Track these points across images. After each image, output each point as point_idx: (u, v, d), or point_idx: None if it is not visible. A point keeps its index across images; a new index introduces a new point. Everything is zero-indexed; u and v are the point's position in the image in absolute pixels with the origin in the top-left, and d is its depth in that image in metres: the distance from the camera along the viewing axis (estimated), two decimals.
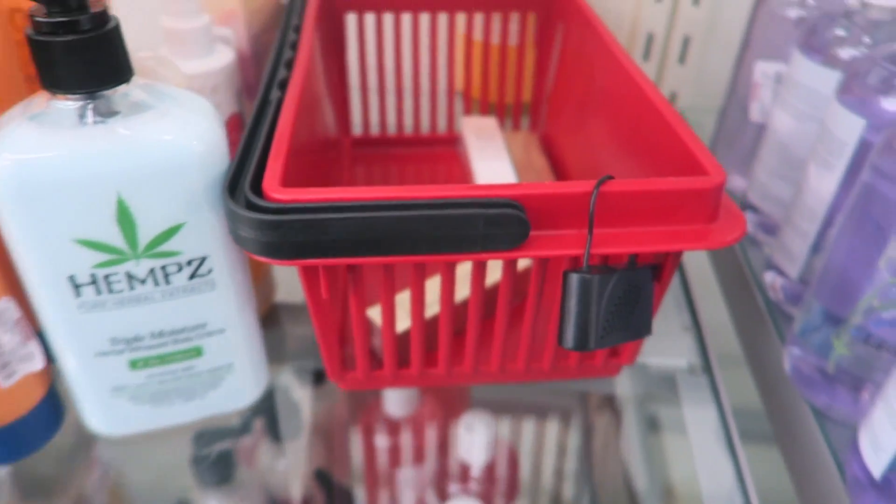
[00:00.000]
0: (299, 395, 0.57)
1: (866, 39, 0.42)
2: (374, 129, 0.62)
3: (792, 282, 0.46)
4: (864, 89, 0.39)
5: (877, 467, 0.33)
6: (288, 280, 0.49)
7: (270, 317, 0.48)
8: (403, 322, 0.40)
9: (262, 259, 0.30)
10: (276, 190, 0.30)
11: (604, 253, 0.31)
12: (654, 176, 0.39)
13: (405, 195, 0.30)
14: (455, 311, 0.37)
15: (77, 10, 0.28)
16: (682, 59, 0.70)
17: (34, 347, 0.35)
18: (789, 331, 0.44)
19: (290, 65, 0.42)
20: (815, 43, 0.44)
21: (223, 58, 0.46)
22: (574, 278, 0.31)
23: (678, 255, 0.34)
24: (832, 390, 0.40)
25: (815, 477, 0.39)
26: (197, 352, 0.36)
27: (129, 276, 0.32)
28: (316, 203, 0.30)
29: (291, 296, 0.49)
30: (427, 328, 0.37)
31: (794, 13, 0.50)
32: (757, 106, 0.54)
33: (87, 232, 0.31)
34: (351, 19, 0.57)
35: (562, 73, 0.56)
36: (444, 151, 0.62)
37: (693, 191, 0.31)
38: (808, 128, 0.46)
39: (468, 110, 0.62)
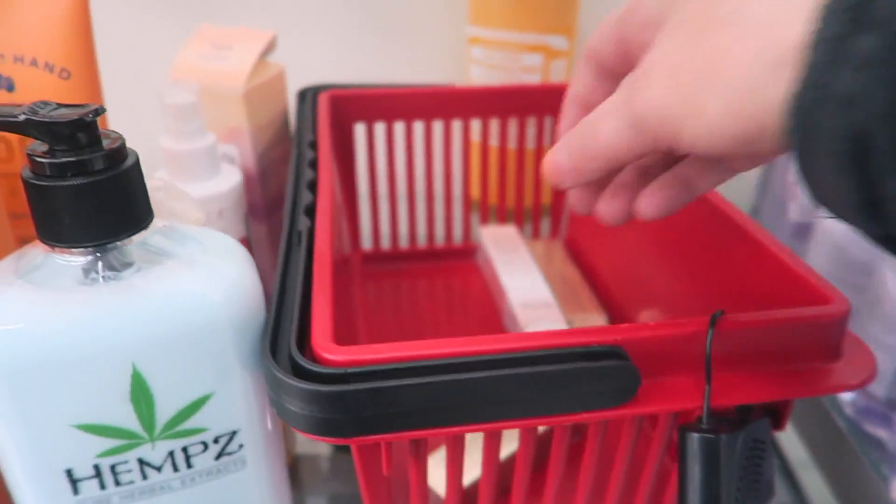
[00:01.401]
0: None
1: None
2: (385, 242, 0.57)
3: (877, 402, 0.42)
4: None
5: None
6: None
7: (290, 472, 0.41)
8: (468, 474, 0.34)
9: (317, 438, 0.24)
10: (329, 349, 0.24)
11: (727, 404, 0.26)
12: (736, 298, 0.34)
13: (489, 349, 0.25)
14: (527, 483, 0.31)
15: (89, 148, 0.23)
16: None
17: None
18: (887, 459, 0.39)
19: (312, 187, 0.37)
20: None
21: (230, 179, 0.41)
22: (696, 439, 0.25)
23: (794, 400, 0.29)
24: None
25: None
26: None
27: (142, 463, 0.26)
28: (383, 365, 0.24)
29: (312, 447, 0.42)
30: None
31: None
32: (795, 206, 0.51)
33: (93, 415, 0.24)
34: (360, 129, 0.53)
35: None
36: (460, 264, 0.57)
37: (818, 322, 0.27)
38: None
39: (485, 219, 0.58)
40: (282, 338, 0.26)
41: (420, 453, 0.27)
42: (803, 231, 0.50)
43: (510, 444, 0.35)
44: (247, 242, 0.44)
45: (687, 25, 0.20)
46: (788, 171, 0.51)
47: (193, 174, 0.40)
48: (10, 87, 0.32)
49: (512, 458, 0.35)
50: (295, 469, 0.40)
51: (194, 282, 0.25)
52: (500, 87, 0.54)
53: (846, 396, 0.44)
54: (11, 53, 0.31)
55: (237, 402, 0.27)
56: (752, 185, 0.60)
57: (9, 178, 0.33)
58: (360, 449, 0.26)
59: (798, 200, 0.51)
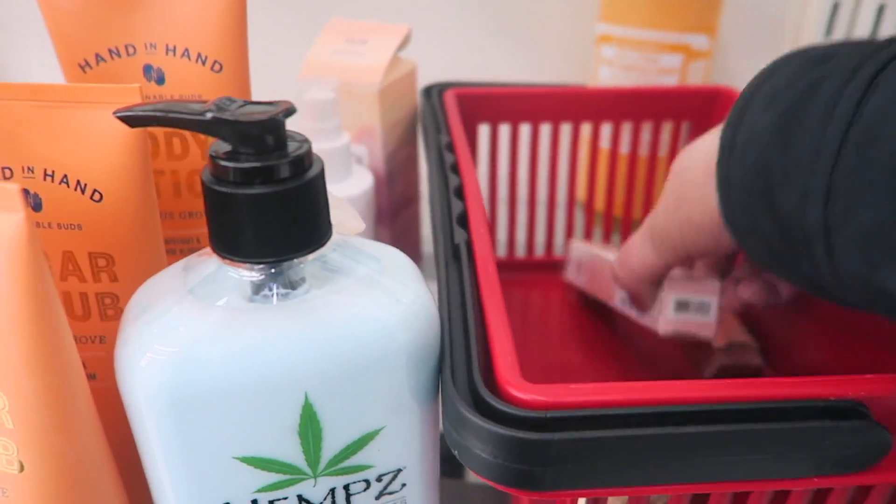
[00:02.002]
0: None
1: None
2: (502, 251, 0.54)
3: None
4: None
5: None
6: None
7: None
8: None
9: (506, 489, 0.21)
10: (521, 387, 0.21)
11: None
12: None
13: (710, 396, 0.21)
14: None
15: (277, 152, 0.20)
16: None
17: None
18: None
19: (458, 194, 0.34)
20: None
21: (363, 181, 0.39)
22: None
23: None
24: None
25: None
26: None
27: (301, 500, 0.23)
28: (589, 410, 0.21)
29: None
30: None
31: None
32: None
33: (257, 447, 0.22)
34: (483, 130, 0.50)
35: None
36: (540, 277, 0.53)
37: None
38: None
39: (608, 228, 0.54)
40: (459, 370, 0.23)
41: None
42: None
43: None
44: None
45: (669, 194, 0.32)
46: None
47: (329, 176, 0.38)
48: (161, 80, 0.30)
49: None
50: None
51: (371, 304, 0.22)
52: (637, 89, 0.50)
53: None
54: (164, 43, 0.29)
55: (407, 438, 0.24)
56: None
57: (162, 176, 0.31)
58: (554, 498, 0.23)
59: None
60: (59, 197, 0.24)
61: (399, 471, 0.24)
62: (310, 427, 0.22)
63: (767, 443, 0.21)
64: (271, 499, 0.23)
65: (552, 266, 0.53)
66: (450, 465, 0.28)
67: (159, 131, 0.30)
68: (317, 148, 0.38)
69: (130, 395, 0.21)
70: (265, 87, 0.54)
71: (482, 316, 0.25)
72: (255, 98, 0.42)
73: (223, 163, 0.20)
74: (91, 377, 0.27)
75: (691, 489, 0.22)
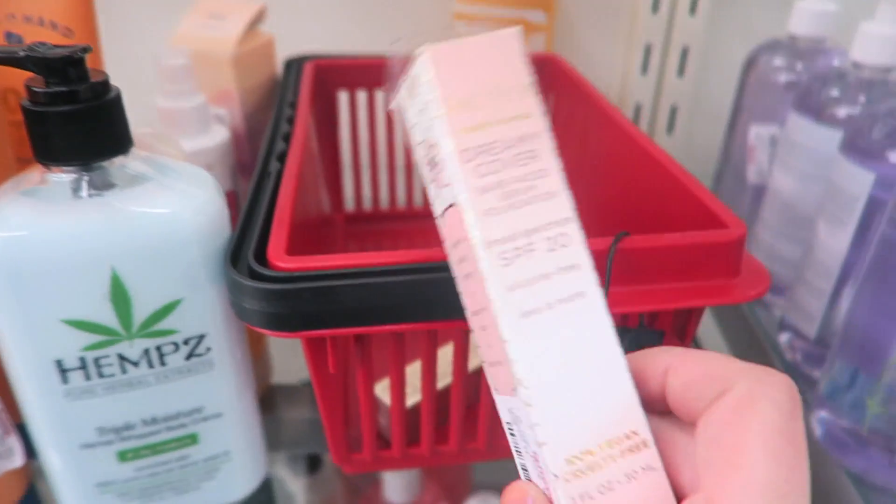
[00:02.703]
0: (294, 486, 0.53)
1: (861, 98, 0.43)
2: (367, 205, 0.61)
3: (809, 342, 0.45)
4: (870, 144, 0.39)
5: None
6: (284, 360, 0.47)
7: (266, 400, 0.45)
8: (412, 397, 0.38)
9: (268, 332, 0.28)
10: (281, 258, 0.28)
11: (624, 311, 0.30)
12: (646, 221, 0.38)
13: (414, 259, 0.29)
14: (465, 384, 0.35)
15: (77, 81, 0.27)
16: (671, 129, 0.71)
17: (13, 443, 0.33)
18: (815, 394, 0.42)
19: (287, 138, 0.41)
20: (810, 104, 0.45)
21: (218, 136, 0.46)
22: None
23: (700, 313, 0.33)
24: (867, 454, 0.38)
25: None
26: (192, 439, 0.33)
27: (122, 359, 0.30)
28: (325, 270, 0.28)
29: (287, 377, 0.46)
30: (438, 402, 0.35)
31: (784, 78, 0.51)
32: (754, 168, 0.54)
33: (78, 311, 0.29)
34: (343, 97, 0.57)
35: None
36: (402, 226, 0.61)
37: (714, 244, 0.30)
38: (810, 186, 0.46)
39: None
40: (245, 252, 0.30)
41: (365, 353, 0.31)
42: (760, 192, 0.53)
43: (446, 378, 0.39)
44: (234, 195, 0.48)
45: None
46: (748, 136, 0.54)
47: (185, 131, 0.44)
48: (20, 43, 0.36)
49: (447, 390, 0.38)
50: (271, 398, 0.44)
51: (169, 200, 0.29)
52: None
53: (785, 340, 0.47)
54: (22, 14, 0.36)
55: (205, 308, 0.31)
56: (714, 152, 0.63)
57: (17, 128, 0.37)
58: (310, 345, 0.30)
59: (756, 164, 0.54)
60: None
61: (202, 336, 0.31)
62: (119, 295, 0.29)
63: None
64: (96, 356, 0.30)
65: (415, 217, 0.61)
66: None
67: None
68: (174, 106, 0.45)
69: None
70: (147, 62, 0.60)
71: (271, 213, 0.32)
72: (129, 73, 0.48)
73: (35, 90, 0.26)
74: None
75: (400, 329, 0.29)
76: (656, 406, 0.20)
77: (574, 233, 0.20)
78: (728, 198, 0.58)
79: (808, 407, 0.43)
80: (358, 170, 0.59)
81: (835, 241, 0.41)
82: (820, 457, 0.41)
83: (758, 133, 0.52)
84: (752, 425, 0.17)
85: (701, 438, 0.18)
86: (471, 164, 0.19)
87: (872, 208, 0.39)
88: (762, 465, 0.16)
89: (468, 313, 0.21)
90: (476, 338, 0.21)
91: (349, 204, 0.62)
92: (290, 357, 0.48)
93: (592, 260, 0.20)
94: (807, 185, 0.46)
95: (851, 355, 0.38)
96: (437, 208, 0.20)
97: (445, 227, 0.20)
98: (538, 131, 0.20)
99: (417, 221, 0.62)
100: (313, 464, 0.53)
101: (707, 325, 0.59)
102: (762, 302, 0.53)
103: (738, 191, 0.57)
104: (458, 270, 0.20)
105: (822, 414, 0.40)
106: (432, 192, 0.21)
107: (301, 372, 0.41)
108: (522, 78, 0.20)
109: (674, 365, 0.19)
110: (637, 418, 0.19)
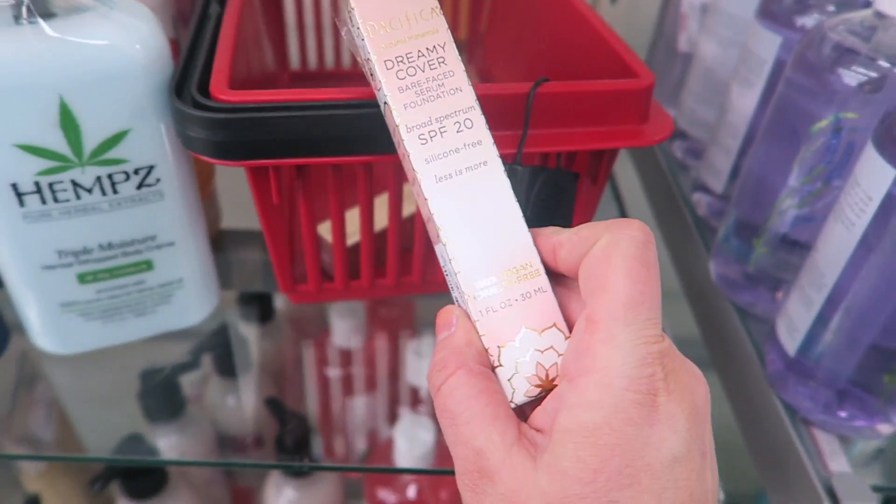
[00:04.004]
0: (247, 331, 0.57)
1: None
2: (313, 65, 0.62)
3: (717, 198, 0.50)
4: (781, 10, 0.41)
5: (791, 346, 0.37)
6: (233, 205, 0.49)
7: (216, 243, 0.48)
8: (353, 237, 0.41)
9: (212, 160, 0.31)
10: (223, 91, 0.30)
11: (543, 151, 0.33)
12: (565, 71, 0.41)
13: (352, 95, 0.31)
14: (403, 225, 0.38)
15: None
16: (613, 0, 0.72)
17: None
18: (714, 241, 0.47)
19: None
20: None
21: None
22: (506, 168, 0.32)
23: (612, 158, 0.36)
24: (754, 290, 0.43)
25: (738, 368, 0.43)
26: (147, 265, 0.36)
27: (75, 185, 0.32)
28: (265, 103, 0.30)
29: (236, 222, 0.49)
30: (376, 240, 0.39)
31: None
32: (684, 37, 0.56)
33: (30, 137, 0.30)
34: None
35: (497, 7, 0.57)
36: None
37: (624, 92, 0.33)
38: (731, 53, 0.49)
39: None
40: (188, 84, 0.32)
41: (306, 184, 0.34)
42: (689, 61, 0.56)
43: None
44: (175, 43, 0.48)
45: None
46: (681, 5, 0.56)
47: None
48: None
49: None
50: (221, 241, 0.47)
51: (112, 31, 0.30)
52: None
53: (695, 197, 0.52)
54: None
55: (153, 140, 0.33)
56: (650, 22, 0.65)
57: None
58: (254, 176, 0.33)
59: (687, 32, 0.56)
60: None
61: (151, 167, 0.33)
62: (69, 123, 0.30)
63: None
64: (50, 182, 0.32)
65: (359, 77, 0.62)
66: None
67: None
68: None
69: None
70: None
71: (213, 52, 0.34)
72: None
73: None
74: None
75: (337, 161, 0.31)
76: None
77: (477, 117, 0.25)
78: (659, 67, 0.61)
79: (706, 251, 0.48)
80: (302, 30, 0.59)
81: (743, 102, 0.45)
82: (713, 296, 0.46)
83: (690, 2, 0.54)
84: (614, 258, 0.21)
85: (581, 277, 0.22)
86: (392, 71, 0.25)
87: (779, 71, 0.42)
88: (622, 284, 0.21)
89: (411, 182, 0.26)
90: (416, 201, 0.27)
91: (294, 63, 0.62)
92: (239, 202, 0.50)
93: (492, 137, 0.25)
94: (728, 51, 0.49)
95: (745, 204, 0.42)
96: (381, 106, 0.26)
97: (386, 119, 0.26)
98: (444, 41, 0.25)
99: (363, 80, 0.63)
100: (265, 313, 0.57)
101: (633, 186, 0.63)
102: (683, 166, 0.57)
103: (669, 60, 0.60)
104: (398, 151, 0.26)
105: (718, 258, 0.45)
106: (377, 96, 0.26)
107: (250, 220, 0.44)
108: (430, 3, 0.26)
109: (560, 240, 0.23)
110: (530, 253, 0.24)
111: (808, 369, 0.37)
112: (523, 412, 0.23)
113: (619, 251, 0.21)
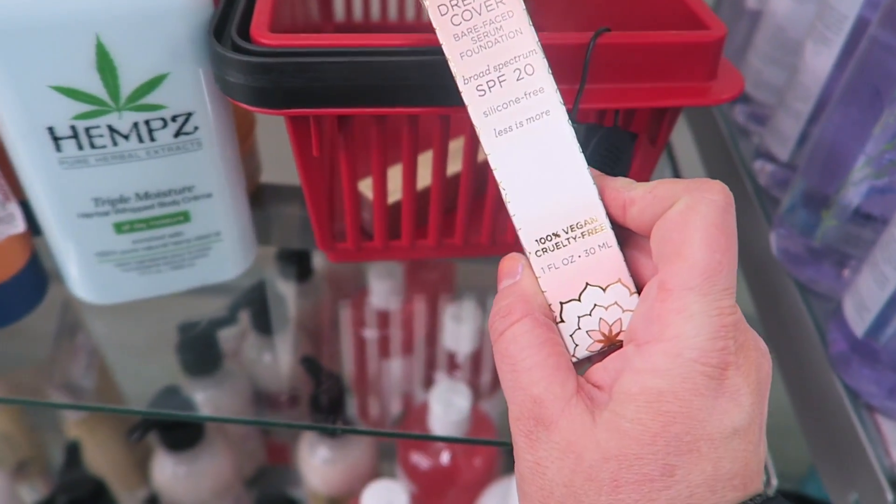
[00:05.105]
0: (285, 289, 0.57)
1: None
2: (358, 16, 0.60)
3: (781, 166, 0.46)
4: None
5: (860, 327, 0.34)
6: (273, 161, 0.48)
7: (255, 198, 0.47)
8: (394, 195, 0.39)
9: (250, 108, 0.29)
10: (265, 35, 0.29)
11: (600, 107, 0.31)
12: (629, 22, 0.38)
13: (397, 42, 0.29)
14: (447, 184, 0.36)
15: None
16: None
17: (14, 209, 0.34)
18: (776, 213, 0.44)
19: None
20: None
21: None
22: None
23: (674, 118, 0.34)
24: (818, 265, 0.40)
25: (797, 347, 0.40)
26: (184, 216, 0.35)
27: (112, 130, 0.31)
28: (308, 48, 0.28)
29: (277, 178, 0.48)
30: (418, 200, 0.37)
31: None
32: None
33: (66, 78, 0.29)
34: None
35: None
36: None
37: (693, 45, 0.31)
38: (807, 8, 0.45)
39: None
40: (229, 27, 0.30)
41: (348, 138, 0.32)
42: (756, 19, 0.52)
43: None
44: None
45: None
46: None
47: None
48: None
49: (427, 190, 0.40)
50: (260, 195, 0.46)
51: None
52: None
53: (758, 165, 0.49)
54: None
55: (191, 86, 0.31)
56: None
57: None
58: (294, 126, 0.31)
59: None
60: None
61: (190, 114, 0.32)
62: (106, 65, 0.29)
63: (438, 72, 0.29)
64: (87, 126, 0.31)
65: (406, 28, 0.60)
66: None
67: None
68: None
69: None
70: None
71: None
72: None
73: None
74: None
75: (382, 112, 0.30)
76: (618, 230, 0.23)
77: (538, 62, 0.23)
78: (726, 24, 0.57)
79: (769, 226, 0.45)
80: None
81: (818, 62, 0.41)
82: (773, 270, 0.44)
83: None
84: (692, 223, 0.20)
85: (654, 239, 0.21)
86: (447, 17, 0.23)
87: (860, 30, 0.39)
88: (700, 252, 0.20)
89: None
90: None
91: (339, 15, 0.60)
92: (280, 157, 0.49)
93: (556, 83, 0.23)
94: (802, 6, 0.45)
95: (814, 172, 0.39)
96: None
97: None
98: None
99: (408, 32, 0.60)
100: (303, 271, 0.57)
101: (689, 152, 0.60)
102: (745, 131, 0.54)
103: (734, 20, 0.56)
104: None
105: (781, 231, 0.43)
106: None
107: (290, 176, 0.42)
108: None
109: (632, 197, 0.22)
110: (595, 207, 0.23)
111: (876, 352, 0.34)
112: (579, 367, 0.23)
113: (698, 216, 0.20)
